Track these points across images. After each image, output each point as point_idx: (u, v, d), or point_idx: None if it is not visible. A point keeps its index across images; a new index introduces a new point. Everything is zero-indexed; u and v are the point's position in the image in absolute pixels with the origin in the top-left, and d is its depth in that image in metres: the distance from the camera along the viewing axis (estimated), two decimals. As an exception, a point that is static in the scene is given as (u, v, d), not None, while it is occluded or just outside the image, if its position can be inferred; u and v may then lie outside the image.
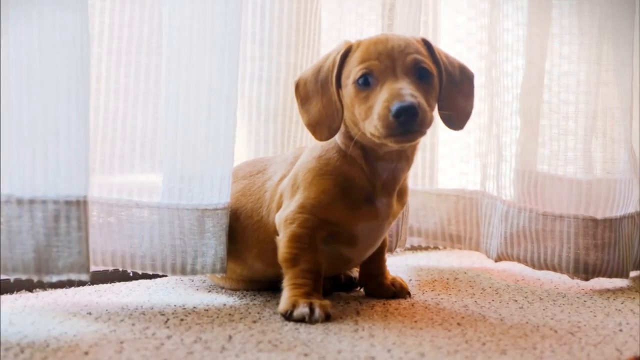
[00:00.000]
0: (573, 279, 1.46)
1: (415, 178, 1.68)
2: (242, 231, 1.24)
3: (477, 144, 1.66)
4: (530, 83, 1.51)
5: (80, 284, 1.32)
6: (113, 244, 1.21)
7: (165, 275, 1.37)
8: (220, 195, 1.22)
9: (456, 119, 1.18)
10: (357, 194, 1.16)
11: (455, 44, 1.72)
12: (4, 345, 0.95)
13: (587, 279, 1.44)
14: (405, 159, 1.18)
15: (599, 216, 1.44)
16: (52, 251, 1.05)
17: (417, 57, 1.11)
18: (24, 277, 1.06)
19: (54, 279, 1.06)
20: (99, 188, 1.22)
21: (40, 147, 1.05)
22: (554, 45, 1.49)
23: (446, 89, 1.16)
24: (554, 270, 1.46)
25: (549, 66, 1.49)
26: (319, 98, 1.16)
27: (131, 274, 1.32)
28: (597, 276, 1.43)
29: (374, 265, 1.30)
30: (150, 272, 1.23)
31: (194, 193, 1.22)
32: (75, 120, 1.07)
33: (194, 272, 1.22)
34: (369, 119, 1.08)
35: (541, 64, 1.50)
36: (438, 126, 1.70)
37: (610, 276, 1.44)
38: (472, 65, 1.65)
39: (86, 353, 0.93)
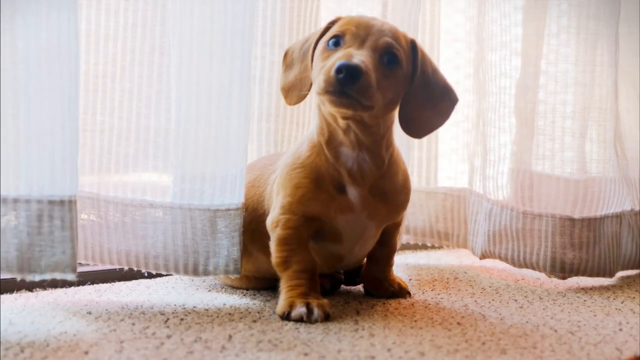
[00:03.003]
0: (550, 277, 1.46)
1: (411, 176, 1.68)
2: (249, 223, 1.24)
3: (470, 143, 1.66)
4: (526, 82, 1.51)
5: (80, 283, 1.32)
6: (127, 243, 1.22)
7: (168, 275, 1.37)
8: (232, 195, 1.22)
9: (416, 127, 1.18)
10: (328, 184, 1.15)
11: (455, 43, 1.72)
12: (4, 345, 0.95)
13: (564, 278, 1.44)
14: (366, 149, 1.15)
15: (577, 215, 1.44)
16: (35, 250, 1.05)
17: (391, 42, 1.11)
18: (7, 275, 1.06)
19: (37, 278, 1.05)
20: (115, 188, 1.23)
21: (24, 147, 1.05)
22: (547, 45, 1.49)
23: (415, 95, 1.15)
24: (533, 268, 1.46)
25: (545, 65, 1.50)
26: (298, 65, 1.18)
27: (146, 274, 1.32)
28: (576, 275, 1.44)
29: (378, 269, 1.29)
30: (164, 273, 1.23)
31: (206, 193, 1.22)
32: (61, 120, 1.06)
33: (206, 273, 1.22)
34: (317, 76, 1.09)
35: (536, 63, 1.50)
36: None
37: (590, 275, 1.44)
38: (471, 64, 1.66)
39: (86, 352, 0.93)
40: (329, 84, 1.05)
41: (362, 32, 1.11)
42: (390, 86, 1.11)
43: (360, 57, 1.06)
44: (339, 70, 1.04)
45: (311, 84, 1.16)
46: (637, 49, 1.58)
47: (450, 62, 1.71)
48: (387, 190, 1.19)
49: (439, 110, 1.19)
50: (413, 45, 1.16)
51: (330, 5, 1.58)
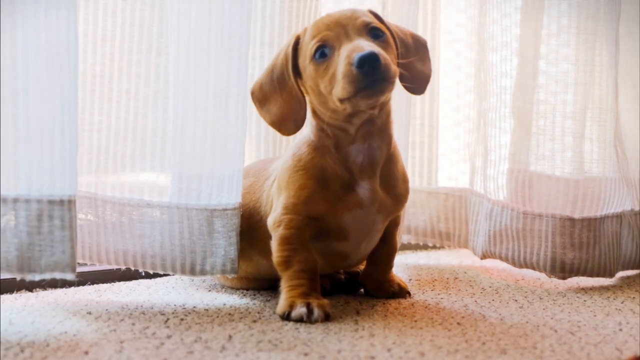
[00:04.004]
0: (550, 277, 1.46)
1: (412, 176, 1.68)
2: (248, 229, 1.24)
3: (471, 143, 1.66)
4: (525, 82, 1.51)
5: (80, 283, 1.33)
6: (124, 243, 1.22)
7: (168, 275, 1.37)
8: (229, 195, 1.22)
9: (416, 83, 1.19)
10: (334, 184, 1.16)
11: (455, 43, 1.72)
12: (4, 345, 0.95)
13: (564, 278, 1.44)
14: (378, 134, 1.16)
15: (577, 215, 1.44)
16: (35, 250, 1.05)
17: (366, 19, 1.12)
18: (7, 275, 1.06)
19: (37, 277, 1.06)
20: (112, 187, 1.23)
21: (24, 147, 1.05)
22: (547, 45, 1.49)
23: (402, 55, 1.17)
24: (533, 268, 1.46)
25: (545, 65, 1.50)
26: (278, 95, 1.16)
27: (144, 273, 1.32)
28: (576, 275, 1.43)
29: (378, 270, 1.29)
30: (161, 272, 1.23)
31: (203, 193, 1.22)
32: (60, 120, 1.06)
33: (203, 272, 1.22)
34: (335, 86, 1.08)
35: (534, 63, 1.50)
36: (435, 125, 1.70)
37: (590, 275, 1.44)
38: (472, 64, 1.66)
39: (86, 352, 0.93)
40: (357, 83, 1.05)
41: (339, 28, 1.11)
42: (391, 54, 1.12)
43: (363, 43, 1.07)
44: (361, 64, 1.03)
45: (306, 109, 1.15)
46: (637, 49, 1.58)
47: (450, 62, 1.71)
48: (391, 179, 1.20)
49: (421, 58, 1.21)
50: (375, 14, 1.17)
51: (329, 6, 1.58)
